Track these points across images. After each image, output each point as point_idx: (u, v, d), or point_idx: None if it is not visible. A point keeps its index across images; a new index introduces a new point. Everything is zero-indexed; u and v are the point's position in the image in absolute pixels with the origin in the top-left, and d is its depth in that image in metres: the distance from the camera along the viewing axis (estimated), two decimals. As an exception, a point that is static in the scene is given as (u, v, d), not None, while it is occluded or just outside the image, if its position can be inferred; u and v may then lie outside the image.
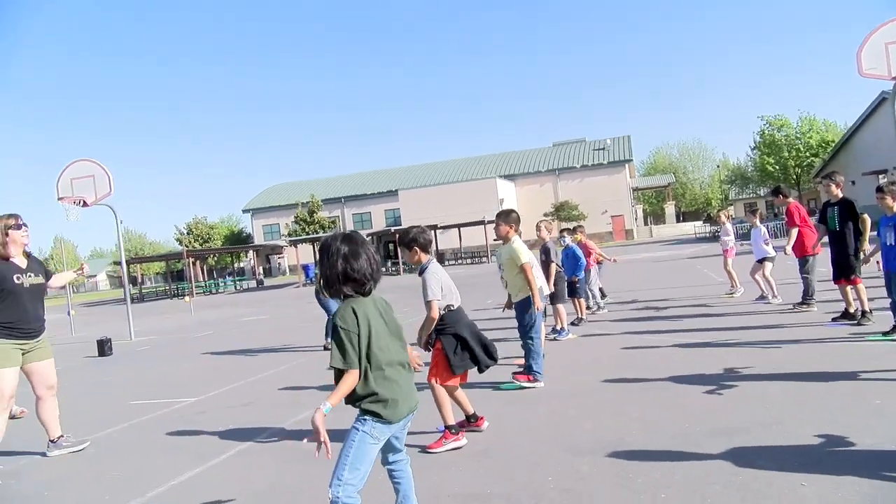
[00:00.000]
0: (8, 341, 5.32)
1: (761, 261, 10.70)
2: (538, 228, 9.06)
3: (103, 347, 13.52)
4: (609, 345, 8.38)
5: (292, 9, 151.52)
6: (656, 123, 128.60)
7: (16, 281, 5.33)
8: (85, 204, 16.02)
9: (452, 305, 4.90)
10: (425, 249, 4.84)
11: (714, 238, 36.31)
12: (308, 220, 56.08)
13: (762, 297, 10.74)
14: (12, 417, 7.75)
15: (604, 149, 59.86)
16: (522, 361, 6.64)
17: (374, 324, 2.93)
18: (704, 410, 5.05)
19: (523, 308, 6.43)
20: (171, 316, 25.23)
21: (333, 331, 2.88)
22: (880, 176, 37.22)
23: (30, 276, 5.49)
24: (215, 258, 70.68)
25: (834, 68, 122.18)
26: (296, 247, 47.96)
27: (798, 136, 54.32)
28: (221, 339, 14.20)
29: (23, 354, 5.47)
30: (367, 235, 52.21)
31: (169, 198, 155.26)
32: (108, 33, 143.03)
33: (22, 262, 5.50)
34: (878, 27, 12.53)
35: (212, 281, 53.33)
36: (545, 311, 6.91)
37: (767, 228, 11.05)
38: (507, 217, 6.51)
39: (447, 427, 4.79)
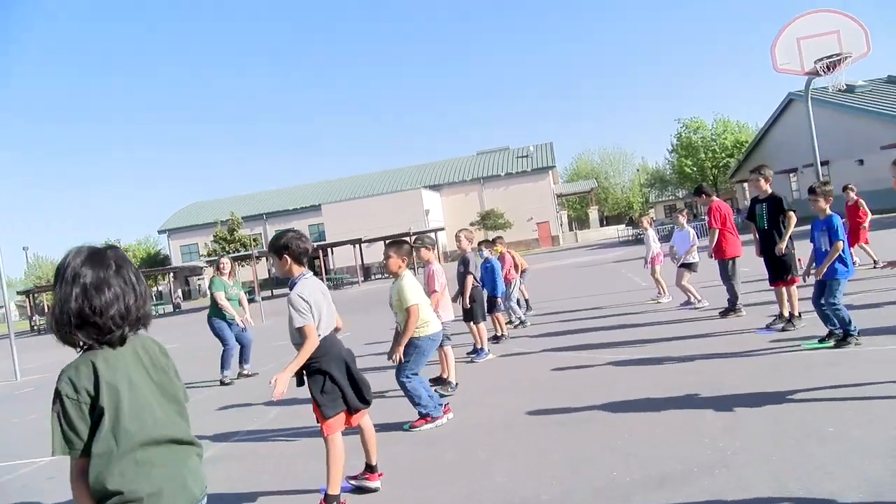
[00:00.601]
0: None
1: (684, 266, 10.24)
2: (457, 239, 8.35)
3: (-26, 393, 12.03)
4: (531, 365, 7.61)
5: (197, 9, 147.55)
6: (577, 130, 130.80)
7: None
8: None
9: (324, 331, 3.98)
10: (298, 260, 3.89)
11: (637, 241, 36.51)
12: (228, 238, 53.96)
13: (688, 303, 10.26)
14: None
15: (527, 156, 59.94)
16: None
17: (125, 388, 1.99)
18: (636, 449, 4.30)
19: (410, 349, 5.56)
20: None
21: (54, 400, 1.95)
22: (790, 175, 38.38)
23: None
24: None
25: (746, 70, 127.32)
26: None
27: (713, 137, 55.93)
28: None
29: None
30: (291, 252, 50.85)
31: (80, 219, 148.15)
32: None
33: None
34: (789, 22, 12.37)
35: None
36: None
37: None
38: (397, 249, 5.55)
39: (326, 496, 3.90)
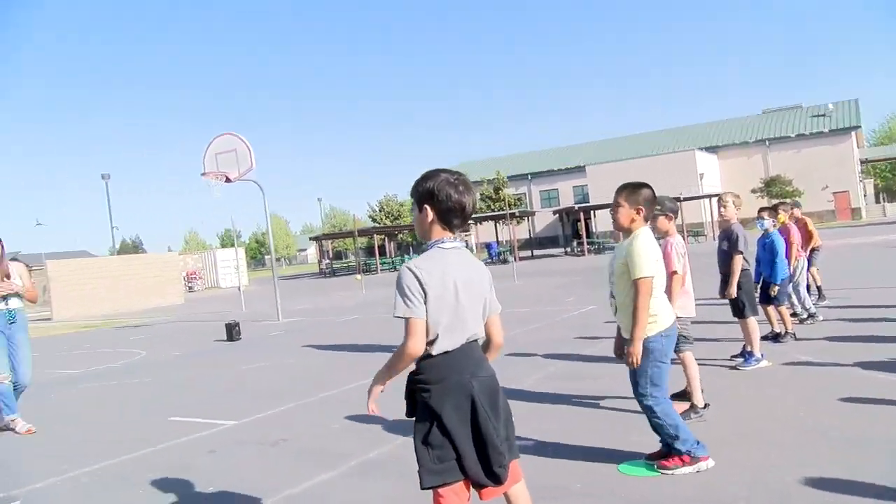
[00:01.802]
0: None
1: None
2: (721, 203, 6.35)
3: (231, 332, 12.67)
4: (823, 385, 5.44)
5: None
6: (891, 85, 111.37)
7: None
8: (228, 179, 15.37)
9: (445, 344, 2.46)
10: (445, 218, 2.54)
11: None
12: (494, 197, 55.03)
13: None
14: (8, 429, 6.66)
15: (825, 115, 51.92)
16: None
17: None
18: None
19: (642, 355, 3.81)
20: (335, 294, 24.75)
21: None
22: None
23: None
24: (405, 235, 72.12)
25: None
26: (479, 224, 46.79)
27: None
28: (360, 327, 12.74)
29: None
30: (554, 213, 50.09)
31: (365, 176, 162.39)
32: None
33: None
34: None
35: (398, 257, 53.97)
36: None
37: None
38: (631, 195, 3.89)
39: None
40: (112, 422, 6.67)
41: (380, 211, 70.89)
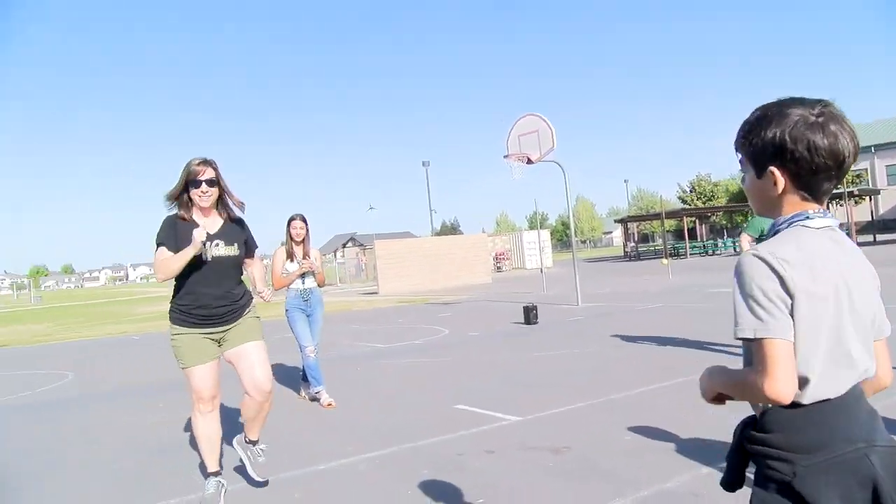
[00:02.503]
0: (188, 329, 3.95)
1: None
2: None
3: (529, 315, 12.41)
4: None
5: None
6: None
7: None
8: (530, 161, 15.16)
9: (824, 389, 1.41)
10: (807, 183, 1.47)
11: None
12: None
13: None
14: (314, 400, 6.93)
15: None
16: None
17: None
18: None
19: None
20: (639, 278, 23.52)
21: None
22: None
23: (217, 244, 3.96)
24: (718, 217, 67.13)
25: None
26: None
27: None
28: (665, 316, 11.65)
29: (217, 344, 4.07)
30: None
31: (675, 156, 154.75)
32: None
33: (212, 227, 4.00)
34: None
35: (710, 241, 50.30)
36: None
37: None
38: None
39: None
40: (402, 403, 6.65)
41: (690, 192, 66.91)
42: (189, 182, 3.88)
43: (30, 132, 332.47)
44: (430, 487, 4.02)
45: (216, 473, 4.07)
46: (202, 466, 4.23)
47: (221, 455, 4.16)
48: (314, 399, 6.93)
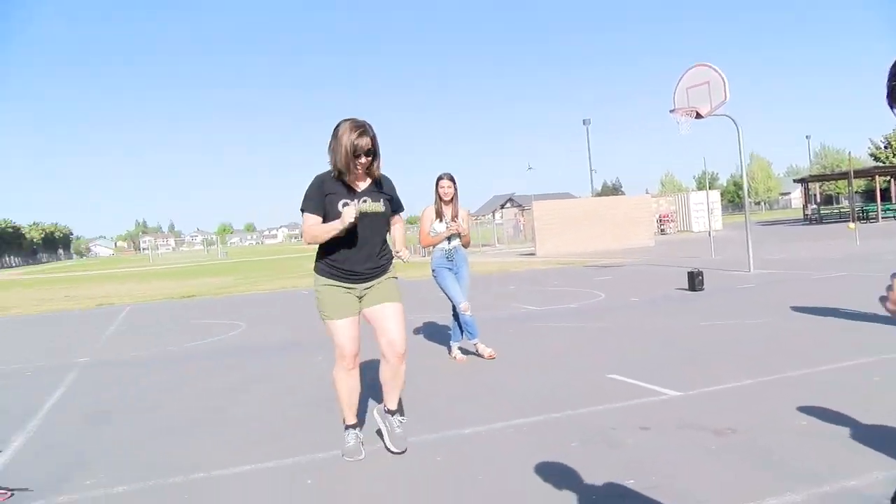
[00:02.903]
0: (332, 282, 4.03)
1: None
2: None
3: (693, 281, 11.67)
4: None
5: None
6: None
7: (341, 209, 3.87)
8: (699, 115, 14.11)
9: None
10: None
11: None
12: None
13: None
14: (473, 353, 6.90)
15: None
16: None
17: None
18: None
19: None
20: (821, 244, 21.45)
21: None
22: None
23: (365, 201, 3.97)
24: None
25: None
26: None
27: None
28: (850, 287, 10.48)
29: (358, 300, 4.11)
30: None
31: (865, 109, 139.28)
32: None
33: (360, 186, 4.03)
34: None
35: (907, 204, 45.05)
36: None
37: None
38: None
39: None
40: (552, 369, 6.42)
41: (885, 148, 60.33)
42: (352, 152, 3.85)
43: (216, 109, 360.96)
44: (577, 461, 3.80)
45: (354, 426, 4.20)
46: (344, 421, 4.31)
47: (364, 412, 4.20)
48: (474, 353, 7.00)
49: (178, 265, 54.86)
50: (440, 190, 6.66)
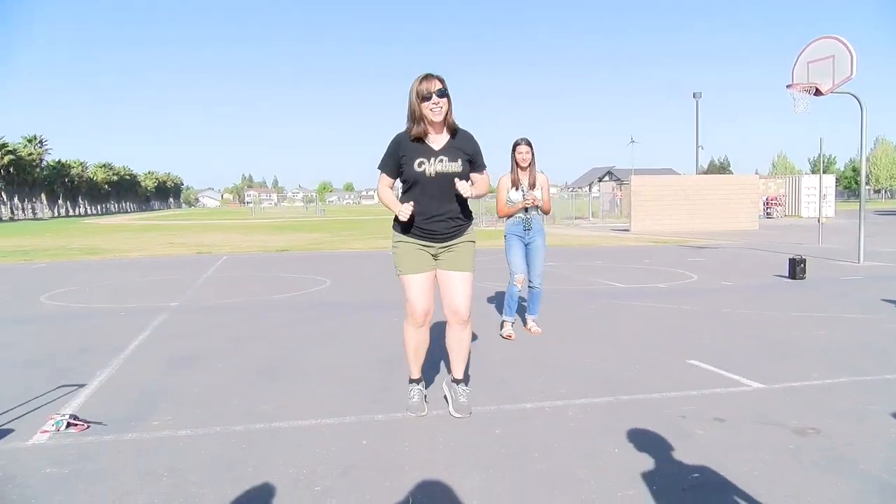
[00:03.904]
0: (408, 239, 4.03)
1: None
2: None
3: (795, 268, 10.97)
4: None
5: None
6: None
7: (416, 168, 3.85)
8: (818, 92, 13.12)
9: None
10: None
11: None
12: None
13: None
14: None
15: None
16: None
17: None
18: None
19: None
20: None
21: None
22: None
23: (441, 160, 3.89)
24: None
25: None
26: None
27: None
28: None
29: (434, 259, 4.09)
30: None
31: None
32: None
33: (438, 143, 3.95)
34: None
35: None
36: None
37: None
38: None
39: None
40: (627, 349, 6.14)
41: None
42: (420, 98, 3.83)
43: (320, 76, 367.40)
44: (641, 448, 3.60)
45: (418, 381, 4.28)
46: (410, 376, 4.37)
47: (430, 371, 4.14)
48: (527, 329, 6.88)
49: (277, 220, 56.72)
50: (517, 156, 6.41)
